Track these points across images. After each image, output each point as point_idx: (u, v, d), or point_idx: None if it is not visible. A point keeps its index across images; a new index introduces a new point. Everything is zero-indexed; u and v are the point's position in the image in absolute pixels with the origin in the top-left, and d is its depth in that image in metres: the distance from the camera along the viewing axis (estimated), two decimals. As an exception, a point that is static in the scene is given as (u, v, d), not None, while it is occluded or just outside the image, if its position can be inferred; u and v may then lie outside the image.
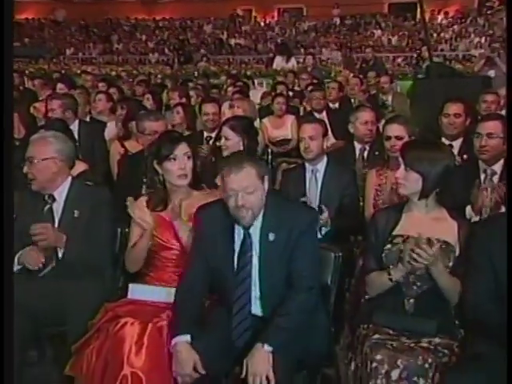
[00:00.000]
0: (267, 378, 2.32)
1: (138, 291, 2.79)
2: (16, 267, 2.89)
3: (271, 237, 2.55)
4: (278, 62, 12.03)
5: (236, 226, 2.58)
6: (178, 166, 2.83)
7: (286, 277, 2.55)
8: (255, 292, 2.59)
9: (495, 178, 3.33)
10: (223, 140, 3.76)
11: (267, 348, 2.37)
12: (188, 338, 2.48)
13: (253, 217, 2.52)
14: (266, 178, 2.57)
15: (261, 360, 2.35)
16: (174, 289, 2.75)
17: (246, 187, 2.46)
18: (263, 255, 2.56)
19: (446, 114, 4.25)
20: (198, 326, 2.54)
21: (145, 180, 2.98)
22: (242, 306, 2.56)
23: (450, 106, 4.25)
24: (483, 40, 14.32)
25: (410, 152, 2.59)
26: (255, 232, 2.58)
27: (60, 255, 2.96)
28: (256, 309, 2.60)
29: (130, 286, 2.82)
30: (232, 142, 3.73)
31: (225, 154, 3.78)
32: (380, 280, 2.57)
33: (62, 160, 3.06)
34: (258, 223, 2.57)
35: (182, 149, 2.86)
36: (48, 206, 3.06)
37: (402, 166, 2.58)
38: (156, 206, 2.90)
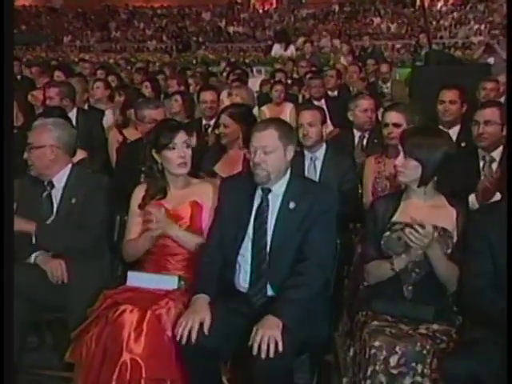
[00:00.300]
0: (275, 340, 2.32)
1: (136, 279, 2.79)
2: (28, 230, 2.94)
3: (292, 205, 2.61)
4: (277, 50, 11.98)
5: (256, 193, 2.66)
6: (178, 154, 2.82)
7: (298, 252, 2.58)
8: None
9: (494, 165, 3.34)
10: (222, 128, 3.75)
11: (278, 320, 2.39)
12: (208, 298, 2.54)
13: (267, 177, 2.59)
14: (291, 147, 2.65)
15: (271, 324, 2.36)
16: (173, 276, 2.77)
17: (264, 146, 2.57)
18: (280, 221, 2.61)
19: (441, 101, 4.24)
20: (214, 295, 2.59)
21: (143, 169, 2.97)
22: (259, 263, 2.60)
23: (445, 93, 4.24)
24: (483, 27, 14.27)
25: (409, 139, 2.59)
26: (277, 199, 2.64)
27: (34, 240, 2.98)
28: None
29: (129, 273, 2.82)
30: (230, 129, 3.73)
31: (223, 141, 3.78)
32: (381, 269, 2.57)
33: (60, 147, 3.06)
34: (280, 190, 2.65)
35: (181, 137, 2.85)
36: (47, 193, 3.07)
37: (402, 154, 2.58)
38: (155, 195, 2.90)
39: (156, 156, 2.87)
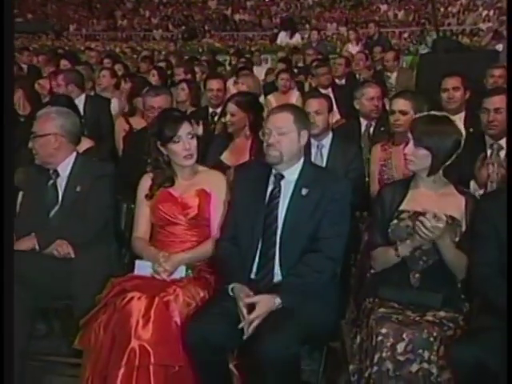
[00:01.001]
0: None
1: (144, 267, 2.79)
2: (32, 246, 2.93)
3: (304, 191, 2.63)
4: (282, 38, 11.92)
5: (270, 180, 2.69)
6: (183, 147, 2.82)
7: (309, 241, 2.60)
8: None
9: (502, 153, 3.32)
10: (228, 116, 3.74)
11: (277, 300, 2.45)
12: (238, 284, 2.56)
13: (279, 158, 2.62)
14: (304, 133, 2.67)
15: (267, 301, 2.44)
16: (181, 265, 2.78)
17: (279, 127, 2.61)
18: (292, 208, 2.63)
19: (444, 89, 4.20)
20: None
21: (149, 161, 2.97)
22: (268, 248, 2.62)
23: (447, 81, 4.21)
24: (491, 13, 14.10)
25: (418, 128, 2.56)
26: (290, 185, 2.66)
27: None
28: None
29: (137, 262, 2.83)
30: (237, 117, 3.71)
31: (230, 130, 3.77)
32: (386, 255, 2.57)
33: (64, 135, 3.07)
34: (293, 176, 2.67)
35: (185, 128, 2.84)
36: (52, 182, 3.08)
37: (411, 142, 2.55)
38: (163, 183, 2.91)
39: (161, 148, 2.86)
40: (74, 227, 3.00)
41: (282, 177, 2.67)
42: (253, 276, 2.64)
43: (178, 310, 2.56)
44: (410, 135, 2.57)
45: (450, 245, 2.46)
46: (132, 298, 2.54)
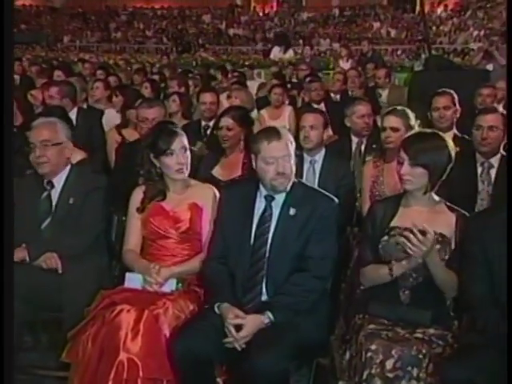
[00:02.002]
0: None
1: (134, 280, 2.78)
2: (22, 258, 2.90)
3: (292, 211, 2.62)
4: (276, 53, 12.00)
5: (257, 200, 2.67)
6: (176, 160, 2.82)
7: (297, 260, 2.59)
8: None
9: (492, 172, 3.35)
10: (224, 130, 3.71)
11: (264, 318, 2.47)
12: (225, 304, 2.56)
13: (288, 184, 2.63)
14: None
15: (255, 321, 2.46)
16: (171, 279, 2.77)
17: (286, 155, 2.60)
18: (280, 228, 2.62)
19: (435, 108, 4.14)
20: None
21: (142, 172, 2.96)
22: (257, 272, 2.60)
23: (438, 100, 4.14)
24: (482, 33, 14.31)
25: (413, 146, 2.53)
26: (277, 206, 2.65)
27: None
28: None
29: (127, 274, 2.82)
30: (234, 132, 3.69)
31: (226, 145, 3.74)
32: (378, 273, 2.56)
33: (71, 146, 3.09)
34: (280, 198, 2.65)
35: (179, 142, 2.84)
36: (46, 193, 3.07)
37: (406, 162, 2.52)
38: (155, 197, 2.91)
39: (154, 161, 2.86)
40: (65, 240, 2.99)
41: (273, 198, 2.66)
42: (240, 297, 2.61)
43: (168, 323, 2.55)
44: (404, 155, 2.54)
45: (439, 263, 2.47)
46: (121, 311, 2.53)
